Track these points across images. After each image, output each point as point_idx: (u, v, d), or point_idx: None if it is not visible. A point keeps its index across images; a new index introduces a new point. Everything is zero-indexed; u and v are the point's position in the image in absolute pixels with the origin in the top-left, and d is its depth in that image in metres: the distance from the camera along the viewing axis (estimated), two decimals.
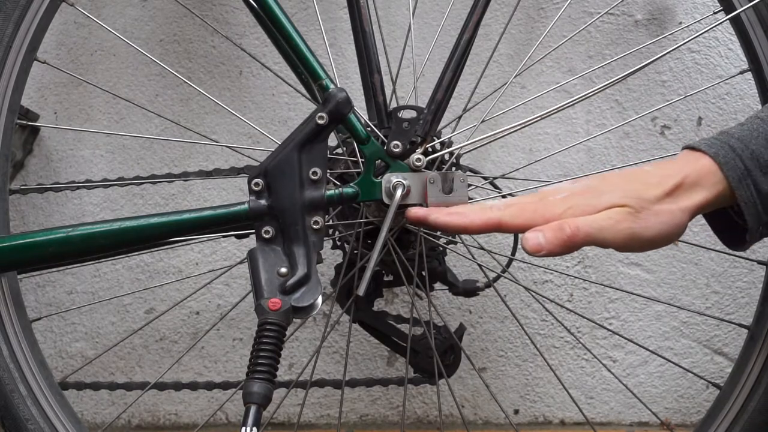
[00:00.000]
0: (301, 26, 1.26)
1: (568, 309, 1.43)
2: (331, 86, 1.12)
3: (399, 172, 1.11)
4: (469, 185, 1.08)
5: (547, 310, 1.42)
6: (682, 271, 1.46)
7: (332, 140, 1.17)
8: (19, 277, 1.24)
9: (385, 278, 1.29)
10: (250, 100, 1.47)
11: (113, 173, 1.48)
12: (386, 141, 1.16)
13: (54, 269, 1.42)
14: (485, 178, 1.28)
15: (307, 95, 1.24)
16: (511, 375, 1.49)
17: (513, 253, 1.31)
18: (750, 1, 1.20)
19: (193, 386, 1.40)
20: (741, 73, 1.35)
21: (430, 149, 1.16)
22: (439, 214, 0.98)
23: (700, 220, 1.47)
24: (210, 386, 1.40)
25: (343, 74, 1.43)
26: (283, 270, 1.07)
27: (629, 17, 1.43)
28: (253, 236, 1.10)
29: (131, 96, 1.47)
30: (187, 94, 1.47)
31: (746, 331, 1.26)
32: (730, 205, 0.98)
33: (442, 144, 1.20)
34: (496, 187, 1.26)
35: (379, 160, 1.15)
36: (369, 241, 1.22)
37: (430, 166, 1.14)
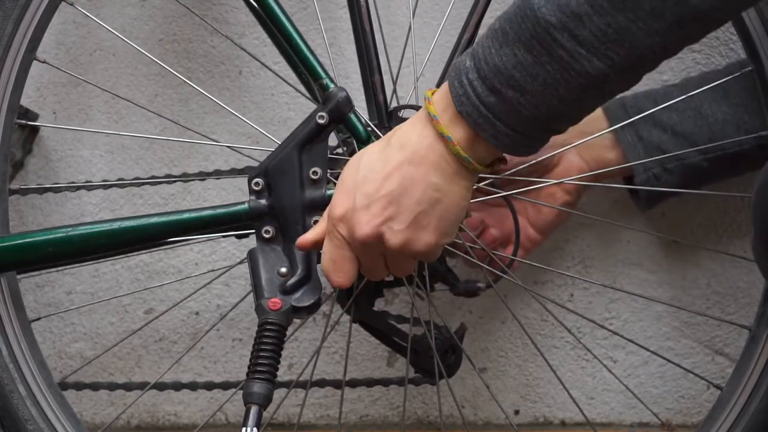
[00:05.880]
0: (301, 26, 1.25)
1: (568, 309, 1.43)
2: (332, 86, 1.12)
3: None
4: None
5: (547, 310, 1.42)
6: (682, 271, 1.46)
7: (332, 140, 1.17)
8: (18, 277, 1.24)
9: (386, 278, 1.29)
10: (250, 100, 1.47)
11: (113, 173, 1.48)
12: None
13: (53, 269, 1.42)
14: (485, 179, 1.27)
15: (307, 95, 1.24)
16: (511, 375, 1.48)
17: (514, 253, 1.31)
18: None
19: (193, 386, 1.39)
20: (742, 72, 1.35)
21: None
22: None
23: (703, 219, 1.47)
24: (210, 387, 1.40)
25: (343, 74, 1.42)
26: (284, 270, 1.07)
27: None
28: (253, 236, 1.10)
29: (131, 96, 1.46)
30: (187, 94, 1.47)
31: (747, 331, 1.26)
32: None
33: None
34: (496, 187, 1.26)
35: None
36: None
37: None
